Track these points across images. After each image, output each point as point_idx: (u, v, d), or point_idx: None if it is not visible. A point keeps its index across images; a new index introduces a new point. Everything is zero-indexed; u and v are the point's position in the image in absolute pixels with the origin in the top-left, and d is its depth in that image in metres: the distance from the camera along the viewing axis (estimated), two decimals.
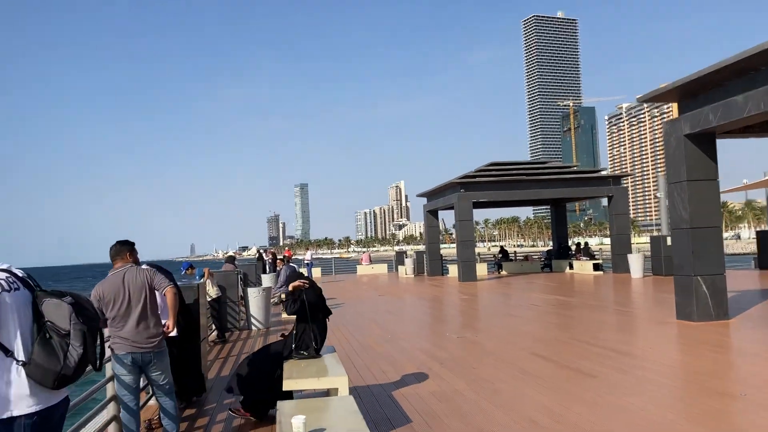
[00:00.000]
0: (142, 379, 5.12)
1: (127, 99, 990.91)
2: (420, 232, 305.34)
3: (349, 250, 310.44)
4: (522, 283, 22.12)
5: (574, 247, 29.76)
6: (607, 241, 51.80)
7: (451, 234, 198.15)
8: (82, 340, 2.67)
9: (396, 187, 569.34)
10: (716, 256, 10.92)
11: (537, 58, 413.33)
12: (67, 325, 2.66)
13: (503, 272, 29.34)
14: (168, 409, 4.91)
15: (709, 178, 10.94)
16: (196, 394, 6.78)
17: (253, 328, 12.99)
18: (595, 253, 28.61)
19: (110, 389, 5.05)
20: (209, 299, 11.57)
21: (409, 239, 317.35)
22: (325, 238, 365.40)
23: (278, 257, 21.99)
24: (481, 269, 27.89)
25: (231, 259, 14.88)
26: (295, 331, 5.91)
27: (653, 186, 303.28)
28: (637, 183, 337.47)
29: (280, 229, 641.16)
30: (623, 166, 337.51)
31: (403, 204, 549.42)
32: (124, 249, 4.87)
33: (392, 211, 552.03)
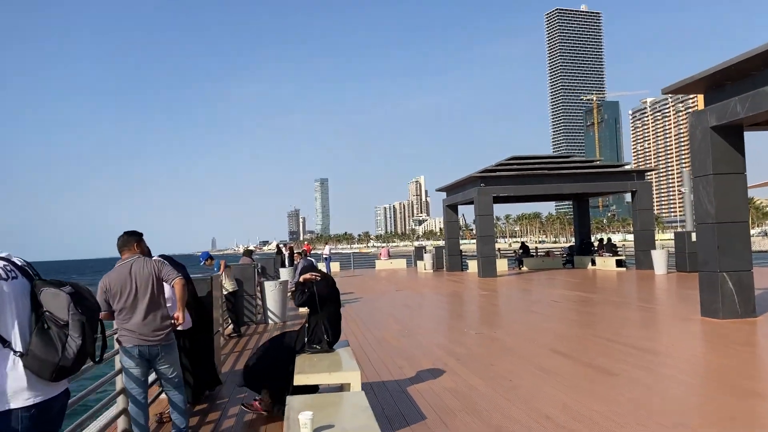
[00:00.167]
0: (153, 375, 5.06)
1: (152, 96, 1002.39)
2: (440, 228, 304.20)
3: (369, 245, 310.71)
4: (543, 279, 21.84)
5: (596, 243, 29.33)
6: (631, 237, 51.08)
7: (471, 230, 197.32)
8: (81, 330, 2.58)
9: (416, 182, 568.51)
10: (743, 251, 10.61)
11: (560, 52, 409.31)
12: (66, 316, 2.57)
13: (524, 268, 29.03)
14: (177, 403, 4.83)
15: (736, 171, 10.63)
16: (208, 387, 6.72)
17: (270, 321, 12.94)
18: (618, 249, 28.16)
19: (119, 382, 4.99)
20: (225, 293, 11.55)
21: (429, 235, 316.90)
22: (345, 233, 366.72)
23: (296, 251, 21.97)
24: (502, 265, 27.63)
25: (248, 253, 14.85)
26: (307, 325, 5.82)
27: (677, 182, 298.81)
28: (661, 179, 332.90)
29: (301, 224, 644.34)
30: (647, 162, 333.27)
31: (423, 199, 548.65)
32: (132, 239, 4.78)
33: (412, 207, 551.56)
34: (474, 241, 28.38)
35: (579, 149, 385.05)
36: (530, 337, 9.50)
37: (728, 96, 10.10)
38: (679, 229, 44.88)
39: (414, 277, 25.90)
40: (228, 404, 6.32)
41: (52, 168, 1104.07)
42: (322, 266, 27.74)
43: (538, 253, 33.24)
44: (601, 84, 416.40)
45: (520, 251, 31.30)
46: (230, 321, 11.64)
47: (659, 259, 21.70)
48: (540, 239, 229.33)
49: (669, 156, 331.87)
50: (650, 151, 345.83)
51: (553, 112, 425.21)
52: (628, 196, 25.94)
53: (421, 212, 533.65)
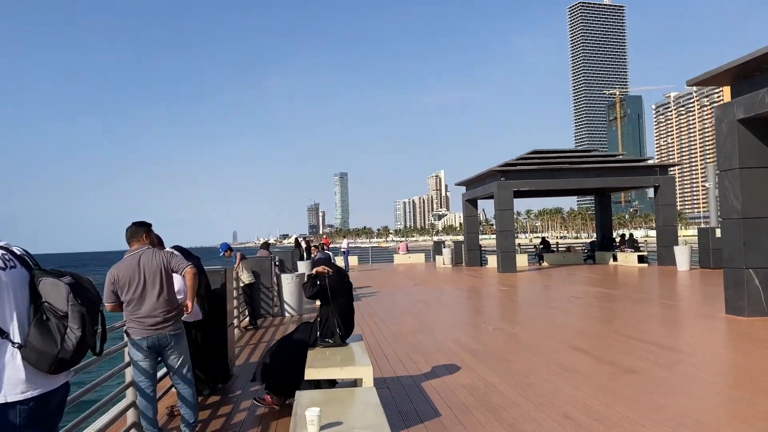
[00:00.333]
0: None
1: (173, 88, 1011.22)
2: (460, 223, 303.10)
3: (388, 239, 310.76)
4: (563, 275, 21.56)
5: (618, 239, 28.90)
6: (653, 233, 50.34)
7: (492, 225, 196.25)
8: (81, 322, 2.50)
9: (436, 176, 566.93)
10: None
11: (582, 46, 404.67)
12: (65, 306, 2.50)
13: (544, 264, 28.72)
14: (186, 396, 4.75)
15: (763, 165, 10.32)
16: (221, 380, 6.67)
17: (286, 314, 12.91)
18: (640, 245, 27.72)
19: (128, 375, 4.94)
20: (242, 285, 11.53)
21: (449, 229, 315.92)
22: (364, 227, 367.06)
23: (313, 245, 21.95)
24: (522, 260, 27.36)
25: (266, 246, 14.81)
26: (319, 318, 5.73)
27: (701, 177, 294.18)
28: (685, 174, 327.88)
29: (320, 218, 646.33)
30: (670, 158, 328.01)
31: (443, 194, 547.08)
32: (141, 230, 4.71)
33: (432, 201, 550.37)
34: (494, 236, 28.10)
35: (601, 144, 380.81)
36: (549, 334, 9.32)
37: (757, 87, 9.80)
38: (703, 225, 44.12)
39: (432, 272, 25.75)
40: (240, 397, 6.26)
41: (80, 158, 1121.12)
42: (340, 260, 27.74)
43: (559, 249, 32.89)
44: (624, 78, 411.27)
45: (541, 246, 30.98)
46: (247, 313, 11.61)
47: (682, 255, 21.30)
48: (561, 235, 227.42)
49: (693, 151, 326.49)
50: (673, 146, 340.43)
51: (575, 106, 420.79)
52: (650, 192, 25.47)
53: (441, 207, 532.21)
